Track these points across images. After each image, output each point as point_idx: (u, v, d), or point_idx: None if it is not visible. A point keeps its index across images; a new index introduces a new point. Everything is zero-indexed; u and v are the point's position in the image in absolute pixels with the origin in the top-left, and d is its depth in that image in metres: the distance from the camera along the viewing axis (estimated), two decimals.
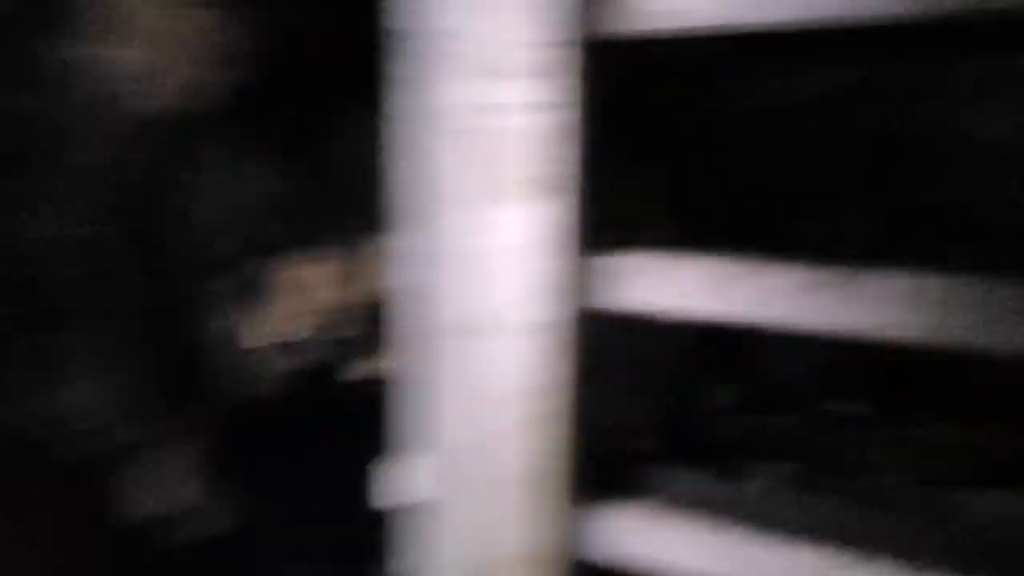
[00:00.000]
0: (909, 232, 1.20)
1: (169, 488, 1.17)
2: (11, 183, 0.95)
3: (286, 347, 1.23)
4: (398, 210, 1.03)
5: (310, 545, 1.32)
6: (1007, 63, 1.14)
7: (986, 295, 0.83)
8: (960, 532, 0.99)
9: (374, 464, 1.19)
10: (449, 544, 1.09)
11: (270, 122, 1.15)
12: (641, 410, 1.28)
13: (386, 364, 1.26)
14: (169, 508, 1.16)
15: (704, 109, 1.28)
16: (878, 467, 1.16)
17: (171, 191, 1.08)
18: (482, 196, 0.96)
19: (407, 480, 1.14)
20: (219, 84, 1.03)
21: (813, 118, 1.26)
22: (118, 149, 1.01)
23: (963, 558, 0.92)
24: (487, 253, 0.98)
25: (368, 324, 1.26)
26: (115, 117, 1.00)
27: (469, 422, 1.03)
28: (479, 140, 0.95)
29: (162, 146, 1.04)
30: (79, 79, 0.97)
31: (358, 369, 1.28)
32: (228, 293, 1.19)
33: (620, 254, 1.00)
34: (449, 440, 1.06)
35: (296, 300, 1.20)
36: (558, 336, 0.98)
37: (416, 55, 0.97)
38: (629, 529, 1.04)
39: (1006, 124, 1.14)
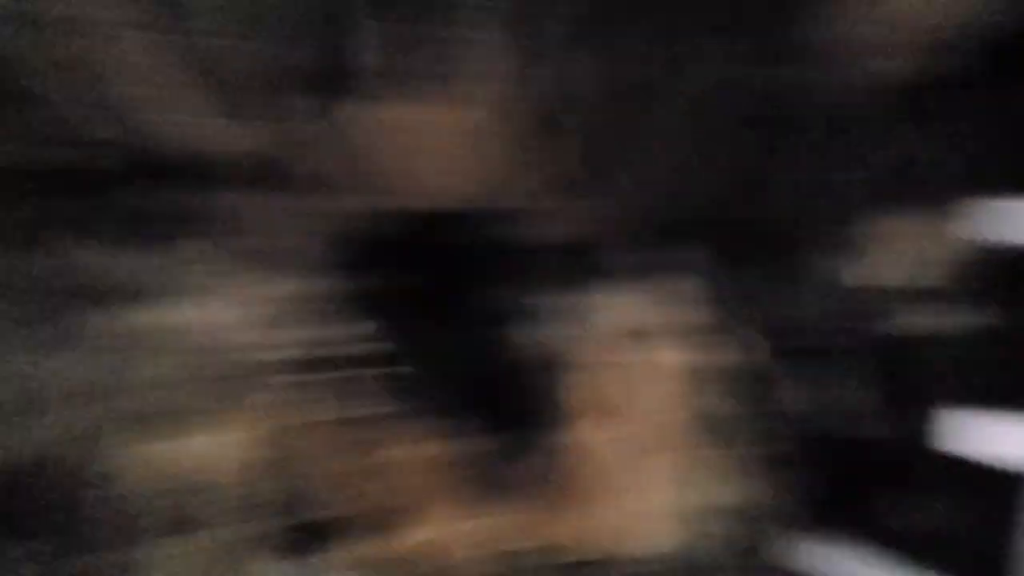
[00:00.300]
0: None
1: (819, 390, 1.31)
2: (773, 138, 1.18)
3: (876, 291, 1.30)
4: None
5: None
6: None
7: None
8: None
9: (943, 408, 1.22)
10: None
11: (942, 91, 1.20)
12: None
13: (963, 318, 1.29)
14: (818, 405, 1.31)
15: None
16: None
17: (873, 149, 1.23)
18: None
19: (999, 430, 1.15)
20: (944, 53, 1.13)
21: None
22: (853, 110, 1.19)
23: None
24: None
25: (949, 279, 1.29)
26: (853, 83, 1.17)
27: None
28: None
29: (882, 108, 1.19)
30: (827, 52, 1.16)
31: (935, 319, 1.32)
32: (846, 239, 1.29)
33: None
34: None
35: (887, 251, 1.27)
36: None
37: None
38: None
39: None
